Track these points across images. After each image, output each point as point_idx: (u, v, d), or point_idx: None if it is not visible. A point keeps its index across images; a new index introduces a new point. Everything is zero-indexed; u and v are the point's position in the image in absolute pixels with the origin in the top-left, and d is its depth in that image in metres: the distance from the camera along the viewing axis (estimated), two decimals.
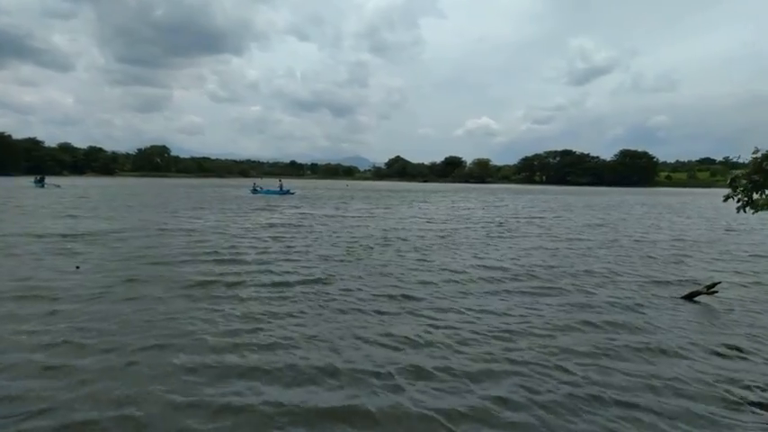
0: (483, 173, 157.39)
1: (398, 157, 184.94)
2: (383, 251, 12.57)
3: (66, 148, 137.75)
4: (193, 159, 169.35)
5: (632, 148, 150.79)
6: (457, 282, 9.09)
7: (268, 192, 45.25)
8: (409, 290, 8.32)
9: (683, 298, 8.36)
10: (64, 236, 13.96)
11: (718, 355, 5.67)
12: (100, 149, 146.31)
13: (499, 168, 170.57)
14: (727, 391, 4.67)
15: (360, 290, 8.29)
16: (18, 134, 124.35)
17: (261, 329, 6.09)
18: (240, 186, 63.78)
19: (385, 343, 5.72)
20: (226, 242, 13.46)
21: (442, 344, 5.72)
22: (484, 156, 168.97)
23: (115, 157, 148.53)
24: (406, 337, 5.89)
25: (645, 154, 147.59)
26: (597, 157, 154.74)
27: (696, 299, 8.26)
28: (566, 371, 5.02)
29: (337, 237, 15.37)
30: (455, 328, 6.33)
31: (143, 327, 6.08)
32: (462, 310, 7.17)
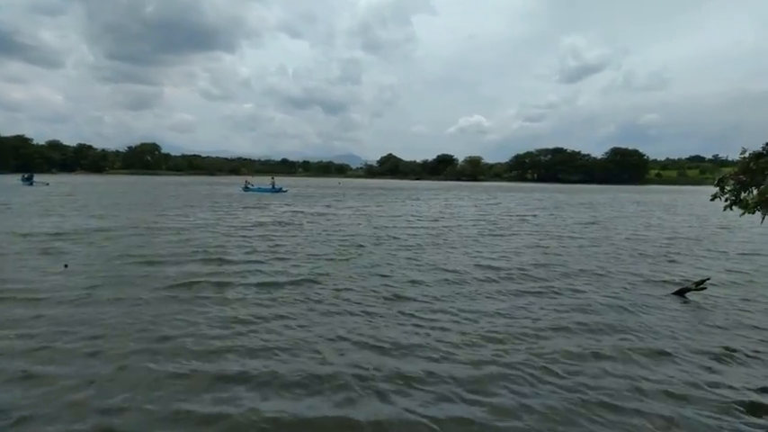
0: (475, 171, 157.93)
1: (391, 154, 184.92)
2: (374, 250, 12.49)
3: (55, 145, 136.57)
4: (184, 157, 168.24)
5: (623, 145, 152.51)
6: (448, 281, 9.03)
7: (260, 190, 44.94)
8: (400, 290, 8.25)
9: (672, 295, 8.39)
10: (50, 234, 13.74)
11: (707, 354, 5.64)
12: (89, 147, 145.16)
13: (491, 166, 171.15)
14: (714, 392, 4.65)
15: (349, 290, 8.21)
16: (6, 131, 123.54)
17: (247, 334, 5.96)
18: (231, 184, 63.42)
19: (373, 347, 5.62)
20: (215, 241, 13.31)
21: (431, 347, 5.64)
22: (476, 153, 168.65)
23: (105, 154, 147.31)
24: (395, 342, 5.78)
25: (636, 152, 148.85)
26: (588, 155, 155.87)
27: (686, 295, 8.30)
28: (555, 374, 4.97)
29: (328, 235, 15.26)
30: (445, 329, 6.26)
31: (127, 331, 5.94)
32: (453, 311, 7.10)
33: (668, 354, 5.62)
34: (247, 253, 11.52)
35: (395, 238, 15.01)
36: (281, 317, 6.65)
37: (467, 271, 9.96)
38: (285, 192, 45.41)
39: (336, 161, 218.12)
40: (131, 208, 24.10)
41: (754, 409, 4.37)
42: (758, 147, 5.71)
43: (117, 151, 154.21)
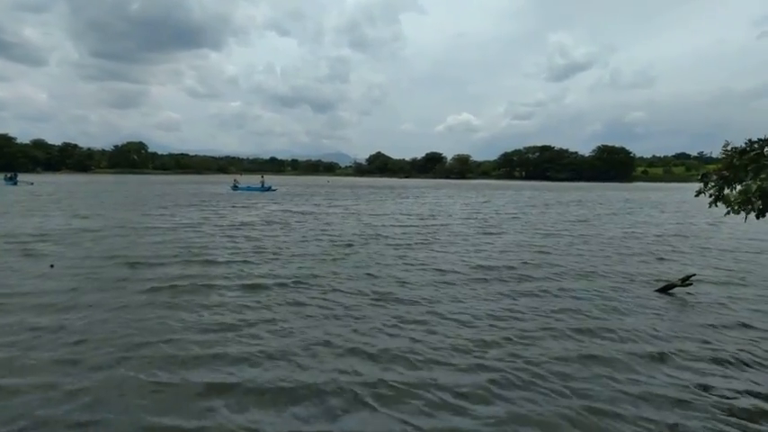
0: (463, 168, 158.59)
1: (380, 153, 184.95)
2: (363, 249, 12.40)
3: (39, 144, 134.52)
4: (171, 156, 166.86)
5: (610, 143, 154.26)
6: (436, 281, 8.96)
7: (249, 188, 44.59)
8: (388, 291, 8.15)
9: (657, 291, 8.43)
10: (33, 235, 13.47)
11: (691, 356, 5.62)
12: (75, 146, 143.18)
13: (479, 164, 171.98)
14: (700, 395, 4.62)
15: (337, 291, 8.10)
16: None
17: (230, 340, 5.79)
18: (219, 183, 62.84)
19: (360, 353, 5.48)
20: (201, 241, 13.13)
21: (418, 352, 5.54)
22: (464, 152, 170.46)
23: (91, 153, 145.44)
24: (381, 347, 5.64)
25: (622, 149, 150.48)
26: (576, 153, 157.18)
27: (671, 291, 8.34)
28: (544, 378, 4.91)
29: (317, 235, 15.14)
30: (433, 332, 6.18)
31: (108, 338, 5.75)
32: (441, 312, 7.02)
33: (653, 355, 5.57)
34: (233, 254, 11.35)
35: (384, 236, 14.95)
36: (267, 321, 6.50)
37: (455, 270, 9.91)
38: (275, 191, 45.11)
39: (325, 159, 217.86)
40: (117, 208, 23.74)
41: (742, 412, 4.33)
42: (742, 144, 5.72)
43: (103, 150, 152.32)
